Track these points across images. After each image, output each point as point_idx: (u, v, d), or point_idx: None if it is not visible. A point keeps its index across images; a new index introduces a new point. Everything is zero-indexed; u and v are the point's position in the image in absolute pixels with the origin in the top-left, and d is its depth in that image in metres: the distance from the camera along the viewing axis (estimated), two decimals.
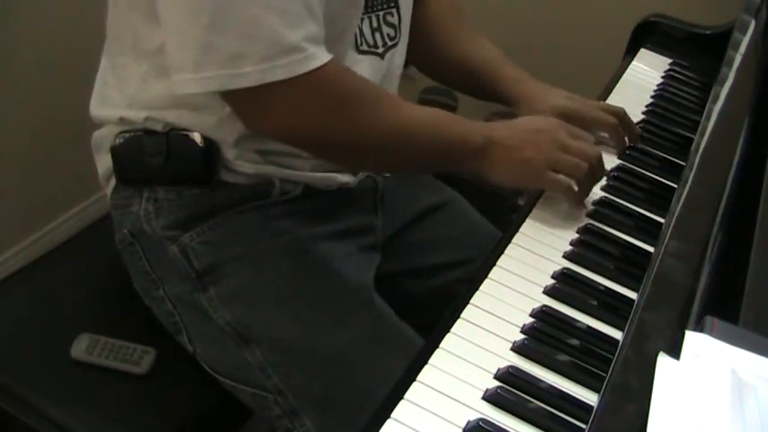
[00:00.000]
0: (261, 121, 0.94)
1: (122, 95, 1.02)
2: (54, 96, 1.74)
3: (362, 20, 1.01)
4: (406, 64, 2.27)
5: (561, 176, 0.99)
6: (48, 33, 1.70)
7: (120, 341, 1.05)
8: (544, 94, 1.18)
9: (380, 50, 1.05)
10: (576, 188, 1.00)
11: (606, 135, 1.18)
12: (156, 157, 0.99)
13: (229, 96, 0.91)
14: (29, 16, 1.67)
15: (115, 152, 1.02)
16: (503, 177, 0.99)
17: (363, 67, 1.02)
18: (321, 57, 0.89)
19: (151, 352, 1.05)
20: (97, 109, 1.06)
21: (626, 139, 1.19)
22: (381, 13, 1.04)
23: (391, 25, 1.06)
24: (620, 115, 1.19)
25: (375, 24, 1.04)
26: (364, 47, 1.03)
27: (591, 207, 1.05)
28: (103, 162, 1.06)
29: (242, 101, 0.91)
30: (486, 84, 1.20)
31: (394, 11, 1.06)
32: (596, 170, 1.01)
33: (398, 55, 1.09)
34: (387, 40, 1.06)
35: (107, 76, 1.05)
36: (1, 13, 1.61)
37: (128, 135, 1.01)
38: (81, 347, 1.04)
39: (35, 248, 1.85)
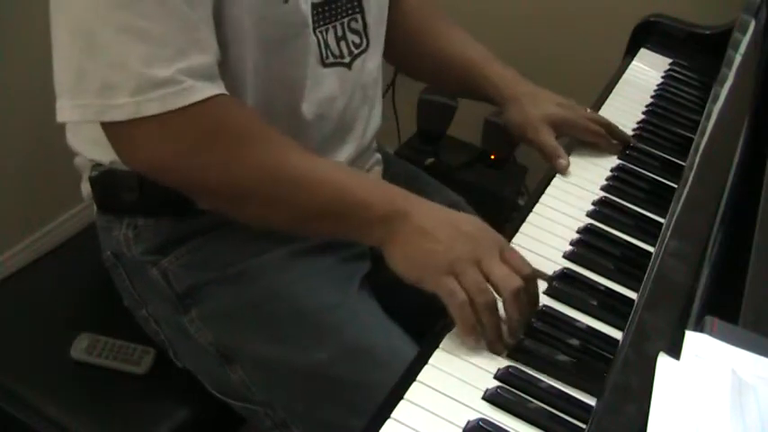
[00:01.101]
0: (132, 156, 0.87)
1: (90, 131, 0.99)
2: (54, 97, 1.74)
3: (327, 30, 0.98)
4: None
5: (459, 287, 0.80)
6: (48, 35, 1.70)
7: (120, 341, 1.06)
8: (534, 97, 1.15)
9: (347, 60, 1.01)
10: (470, 311, 0.80)
11: (597, 143, 1.17)
12: (130, 193, 0.98)
13: (104, 126, 0.86)
14: (28, 18, 1.67)
15: (93, 183, 1.01)
16: (398, 262, 0.84)
17: (330, 80, 0.99)
18: (202, 90, 0.83)
19: (151, 352, 1.05)
20: (71, 136, 1.04)
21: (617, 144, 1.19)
22: (346, 20, 1.01)
23: (355, 32, 1.02)
24: (607, 126, 1.18)
25: (340, 33, 1.00)
26: (330, 59, 0.99)
27: (591, 207, 1.05)
28: (86, 185, 1.05)
29: (114, 132, 0.86)
30: (473, 84, 1.18)
31: (358, 16, 1.02)
32: (508, 306, 0.80)
33: (369, 60, 1.05)
34: (352, 47, 1.02)
35: (80, 125, 1.02)
36: (1, 16, 1.61)
37: (102, 168, 1.00)
38: (81, 347, 1.04)
39: (35, 249, 1.85)
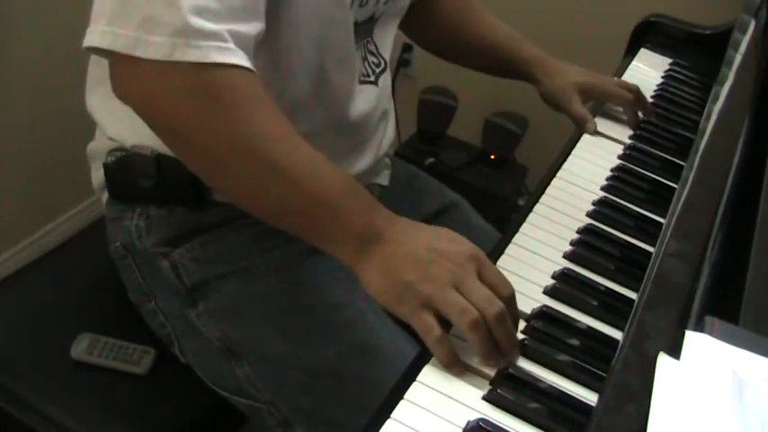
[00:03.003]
0: (130, 90, 0.82)
1: (122, 110, 1.00)
2: (55, 96, 1.74)
3: (358, 48, 1.02)
4: (406, 63, 2.27)
5: (434, 322, 0.76)
6: (49, 33, 1.70)
7: (120, 341, 1.06)
8: (563, 70, 1.27)
9: (372, 78, 1.06)
10: (447, 346, 0.77)
11: (621, 110, 1.29)
12: (147, 180, 0.98)
13: (112, 56, 0.80)
14: (30, 17, 1.67)
15: (107, 170, 1.02)
16: (372, 289, 0.80)
17: (365, 96, 1.04)
18: (239, 57, 0.80)
19: (151, 352, 1.05)
20: (97, 109, 1.04)
21: (639, 114, 1.29)
22: (365, 42, 1.05)
23: (372, 53, 1.07)
24: (635, 91, 1.28)
25: (363, 54, 1.05)
26: (361, 77, 1.04)
27: (591, 207, 1.05)
28: (97, 174, 1.06)
29: (130, 64, 0.79)
30: (507, 63, 1.28)
31: (370, 38, 1.06)
32: (493, 325, 0.76)
33: (387, 77, 1.12)
34: (374, 67, 1.07)
35: (98, 84, 1.02)
36: (2, 14, 1.61)
37: (119, 154, 1.00)
38: (81, 347, 1.04)
39: (35, 248, 1.85)
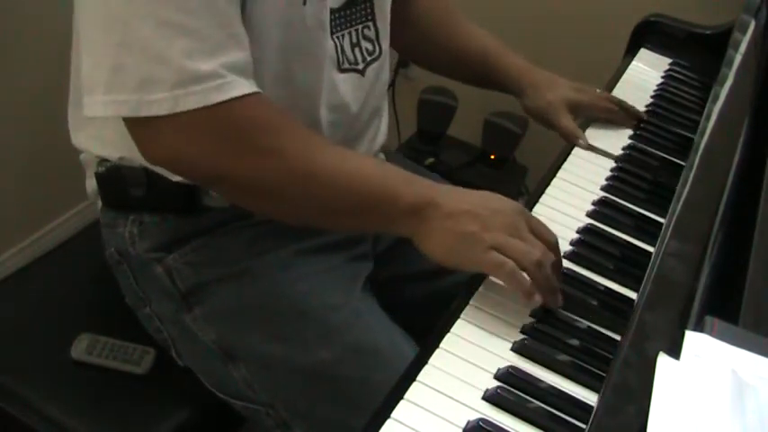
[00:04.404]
0: (156, 151, 0.86)
1: (98, 129, 0.99)
2: (54, 96, 1.74)
3: (343, 36, 0.99)
4: (406, 64, 2.27)
5: (504, 258, 0.82)
6: (49, 34, 1.70)
7: (120, 341, 1.06)
8: (550, 83, 1.21)
9: (360, 67, 1.02)
10: (522, 275, 0.83)
11: (612, 119, 1.25)
12: (137, 189, 0.98)
13: (126, 120, 0.84)
14: (30, 17, 1.67)
15: (99, 179, 1.02)
16: (435, 249, 0.85)
17: (345, 85, 1.00)
18: (241, 87, 0.82)
19: (151, 352, 1.05)
20: (77, 134, 1.04)
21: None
22: (360, 27, 1.01)
23: (368, 39, 1.03)
24: (618, 104, 1.26)
25: (354, 40, 1.01)
26: (345, 65, 1.00)
27: (591, 207, 1.05)
28: (91, 181, 1.05)
29: (139, 126, 0.83)
30: (489, 74, 1.23)
31: (370, 24, 1.03)
32: (549, 269, 0.84)
33: (382, 70, 1.07)
34: (366, 54, 1.03)
35: (82, 125, 1.02)
36: (2, 14, 1.61)
37: (109, 164, 1.00)
38: (81, 347, 1.04)
39: (35, 248, 1.85)
